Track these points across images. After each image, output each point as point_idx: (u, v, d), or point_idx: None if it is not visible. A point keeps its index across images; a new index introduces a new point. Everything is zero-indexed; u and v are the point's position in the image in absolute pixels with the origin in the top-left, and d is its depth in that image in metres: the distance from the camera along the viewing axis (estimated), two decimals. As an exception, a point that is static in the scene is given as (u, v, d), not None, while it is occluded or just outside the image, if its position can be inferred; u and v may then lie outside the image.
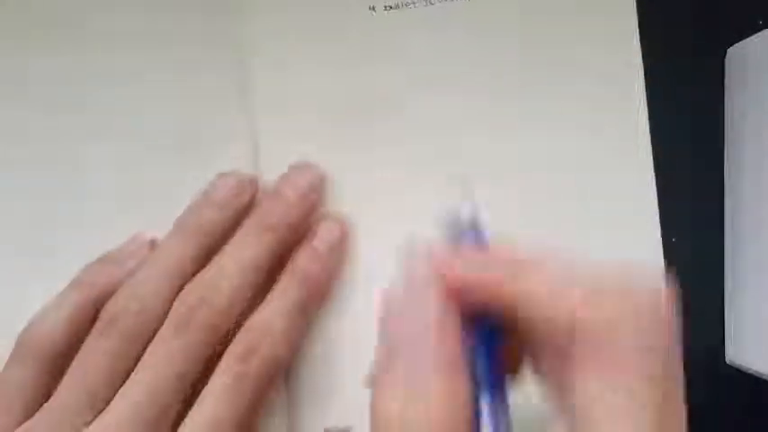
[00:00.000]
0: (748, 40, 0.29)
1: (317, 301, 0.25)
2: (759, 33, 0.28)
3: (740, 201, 0.29)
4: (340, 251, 0.25)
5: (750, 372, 0.28)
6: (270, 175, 0.26)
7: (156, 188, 0.26)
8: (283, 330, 0.23)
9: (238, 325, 0.23)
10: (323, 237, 0.24)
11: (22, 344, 0.23)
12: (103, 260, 0.24)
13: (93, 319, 0.23)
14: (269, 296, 0.23)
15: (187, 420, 0.21)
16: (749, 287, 0.29)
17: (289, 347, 0.23)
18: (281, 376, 0.25)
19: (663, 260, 0.27)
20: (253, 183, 0.25)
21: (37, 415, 0.21)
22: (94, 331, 0.22)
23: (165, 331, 0.22)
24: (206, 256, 0.23)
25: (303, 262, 0.24)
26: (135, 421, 0.21)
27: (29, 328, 0.23)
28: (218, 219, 0.24)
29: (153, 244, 0.24)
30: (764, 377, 0.28)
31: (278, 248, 0.24)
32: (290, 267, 0.24)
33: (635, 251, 0.27)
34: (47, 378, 0.22)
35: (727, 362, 0.30)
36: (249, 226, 0.24)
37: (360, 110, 0.27)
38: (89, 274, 0.24)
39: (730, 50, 0.30)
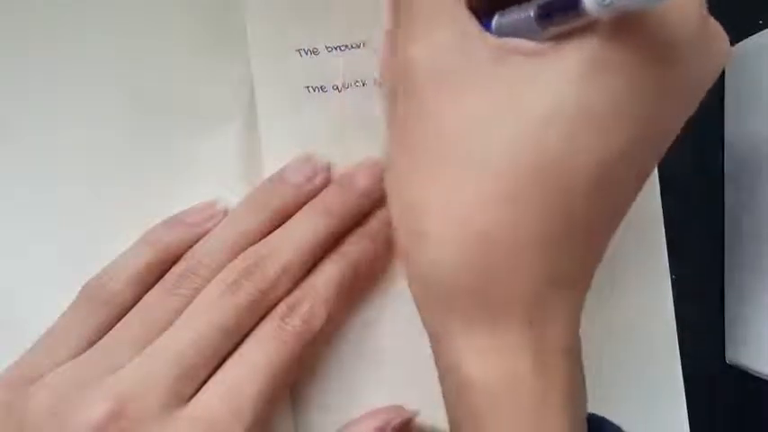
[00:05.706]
0: (748, 40, 0.29)
1: (360, 280, 0.25)
2: (759, 33, 0.28)
3: (740, 201, 0.29)
4: (389, 241, 0.26)
5: (750, 372, 0.28)
6: (271, 163, 0.26)
7: (156, 180, 0.26)
8: (324, 299, 0.24)
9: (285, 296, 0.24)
10: (375, 227, 0.26)
11: (83, 295, 0.23)
12: (173, 221, 0.25)
13: (158, 278, 0.23)
14: (317, 268, 0.24)
15: (220, 371, 0.22)
16: (749, 288, 0.29)
17: (326, 315, 0.24)
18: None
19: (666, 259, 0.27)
20: (326, 169, 0.26)
21: (79, 358, 0.22)
22: (158, 288, 0.23)
23: (214, 288, 0.23)
24: (271, 231, 0.24)
25: (354, 243, 0.25)
26: (173, 365, 0.21)
27: (92, 282, 0.23)
28: (289, 199, 0.25)
29: (223, 213, 0.25)
30: (764, 377, 0.28)
31: (335, 233, 0.25)
32: (341, 247, 0.25)
33: (638, 249, 0.27)
34: (102, 330, 0.23)
35: (728, 362, 0.30)
36: (313, 208, 0.25)
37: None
38: (159, 233, 0.24)
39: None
